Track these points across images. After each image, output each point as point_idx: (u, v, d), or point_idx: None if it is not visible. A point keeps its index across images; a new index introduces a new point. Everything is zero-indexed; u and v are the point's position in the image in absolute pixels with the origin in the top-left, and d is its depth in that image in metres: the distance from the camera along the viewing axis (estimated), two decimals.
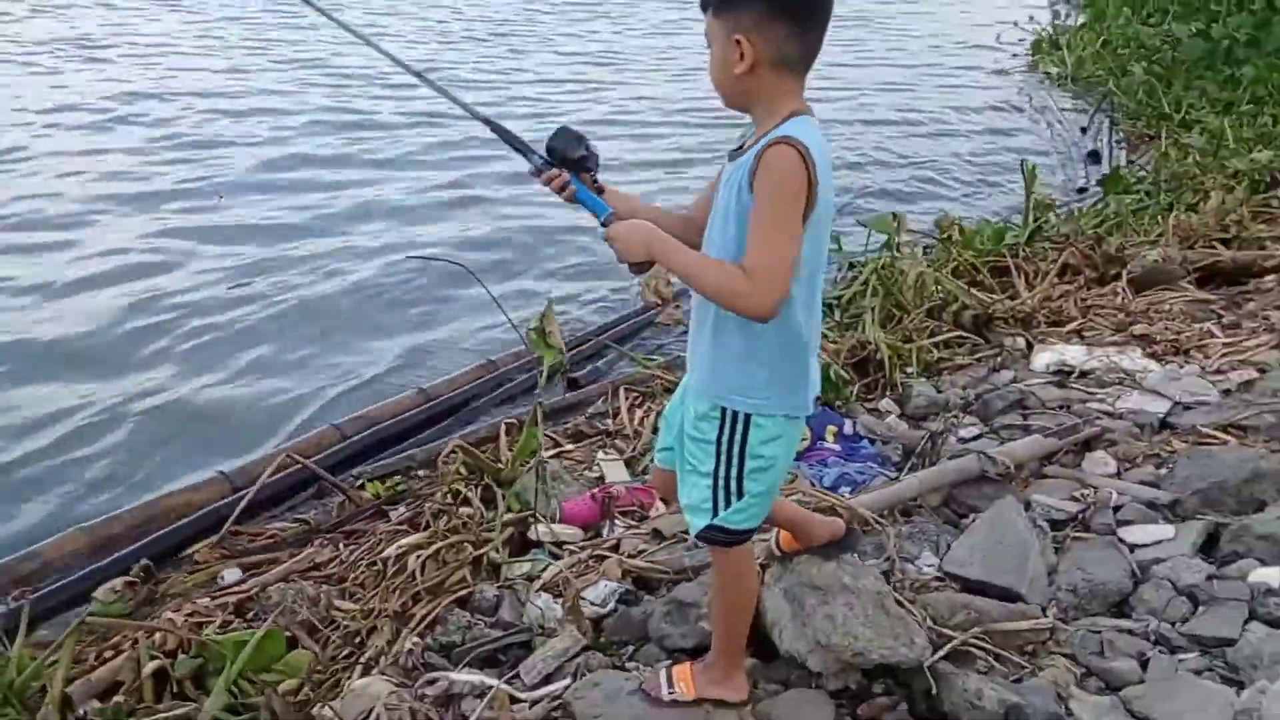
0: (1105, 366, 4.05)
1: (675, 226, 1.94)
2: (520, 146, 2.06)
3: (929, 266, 4.78)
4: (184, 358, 5.00)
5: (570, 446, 3.71)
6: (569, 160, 2.00)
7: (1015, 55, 14.94)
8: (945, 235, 5.07)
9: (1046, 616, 2.50)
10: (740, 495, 1.97)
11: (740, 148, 1.88)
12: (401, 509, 3.31)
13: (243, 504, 3.34)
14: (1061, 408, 3.80)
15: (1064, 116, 10.85)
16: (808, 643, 2.27)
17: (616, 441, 3.73)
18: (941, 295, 4.64)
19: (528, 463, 3.12)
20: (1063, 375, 4.09)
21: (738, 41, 1.79)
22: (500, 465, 3.21)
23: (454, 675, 2.40)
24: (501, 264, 6.24)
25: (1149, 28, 12.74)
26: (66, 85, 11.10)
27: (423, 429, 4.08)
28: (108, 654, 2.59)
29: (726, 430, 1.93)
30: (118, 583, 2.68)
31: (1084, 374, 4.06)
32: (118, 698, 2.37)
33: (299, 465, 3.58)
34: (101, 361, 4.89)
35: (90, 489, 3.88)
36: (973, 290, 4.73)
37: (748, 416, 1.91)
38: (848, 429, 3.77)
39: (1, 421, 4.31)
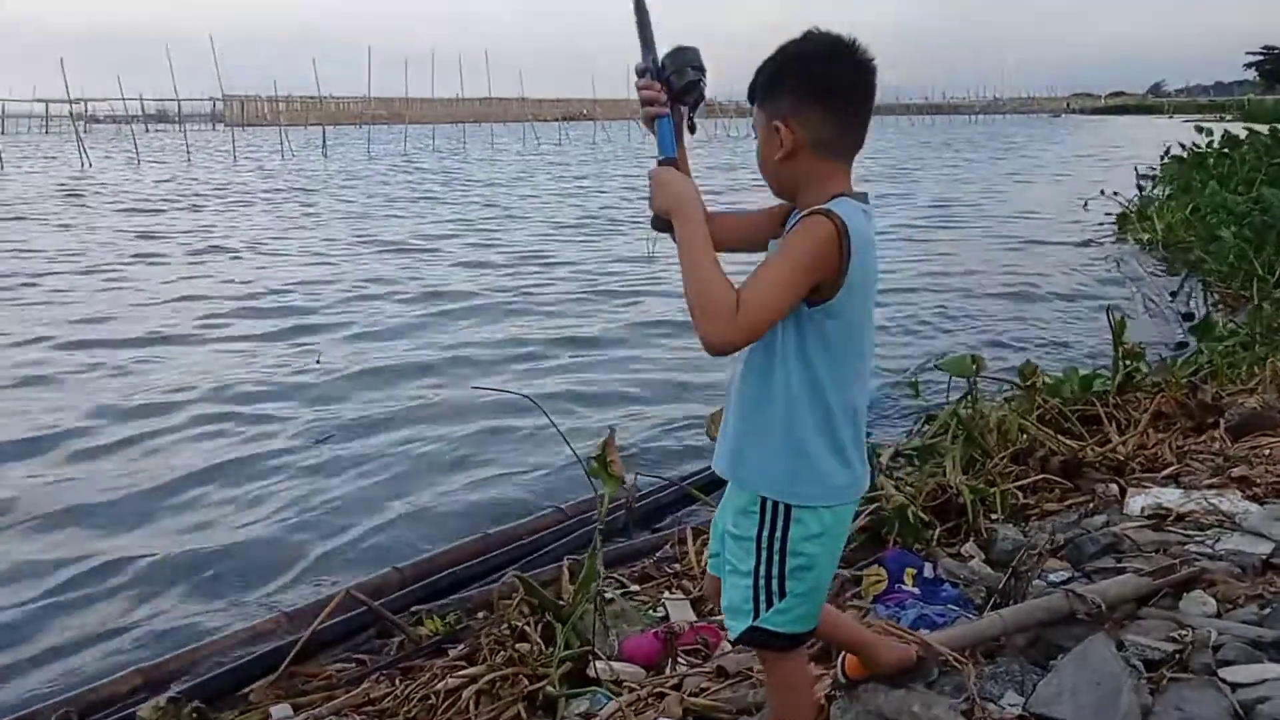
0: (1203, 509, 3.82)
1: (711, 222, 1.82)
2: (645, 38, 1.89)
3: (1013, 411, 4.63)
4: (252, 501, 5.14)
5: (636, 589, 3.60)
6: (671, 85, 1.86)
7: (1101, 224, 14.97)
8: (1029, 382, 4.92)
9: None
10: (782, 595, 1.86)
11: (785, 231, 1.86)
12: (460, 647, 3.22)
13: (299, 645, 3.29)
14: (1158, 551, 3.56)
15: (1154, 282, 10.69)
16: None
17: (683, 582, 3.61)
18: (1027, 440, 4.47)
19: (587, 597, 3.02)
20: (1158, 519, 3.86)
21: (776, 128, 1.80)
22: (561, 601, 3.11)
23: None
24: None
25: (1237, 196, 12.69)
26: (189, 276, 11.94)
27: (485, 575, 4.00)
28: None
29: (767, 526, 1.84)
30: (162, 699, 2.63)
31: (1180, 517, 3.82)
32: None
33: (361, 607, 3.54)
34: (168, 505, 5.06)
35: (150, 630, 3.88)
36: (1060, 437, 4.56)
37: (788, 509, 1.83)
38: (927, 572, 3.58)
39: (74, 568, 4.40)
